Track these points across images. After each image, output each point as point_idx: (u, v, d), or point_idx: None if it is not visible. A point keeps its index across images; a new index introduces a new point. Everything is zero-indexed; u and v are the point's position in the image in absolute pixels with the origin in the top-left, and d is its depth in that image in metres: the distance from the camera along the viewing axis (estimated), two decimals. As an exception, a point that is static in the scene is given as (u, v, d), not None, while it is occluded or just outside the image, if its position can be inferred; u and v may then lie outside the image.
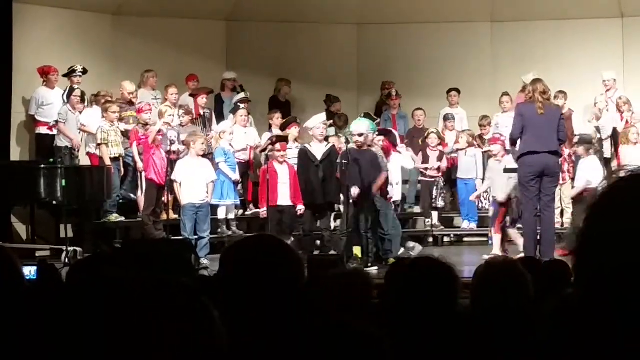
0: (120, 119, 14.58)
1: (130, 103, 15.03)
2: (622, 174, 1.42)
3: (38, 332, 1.31)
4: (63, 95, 14.57)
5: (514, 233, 13.27)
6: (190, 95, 16.01)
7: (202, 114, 15.77)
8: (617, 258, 1.34)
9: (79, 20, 15.90)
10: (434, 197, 15.62)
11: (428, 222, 15.84)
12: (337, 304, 4.18)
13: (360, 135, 12.41)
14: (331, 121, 14.45)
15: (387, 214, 12.82)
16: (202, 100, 15.83)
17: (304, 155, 13.07)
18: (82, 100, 14.73)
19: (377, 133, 13.13)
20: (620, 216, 1.36)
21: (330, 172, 12.81)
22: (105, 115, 14.22)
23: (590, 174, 13.64)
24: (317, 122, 13.22)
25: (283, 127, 14.79)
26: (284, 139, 13.87)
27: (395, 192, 13.56)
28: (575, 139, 14.84)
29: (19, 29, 14.60)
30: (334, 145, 13.23)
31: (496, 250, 13.00)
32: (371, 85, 17.44)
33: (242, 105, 15.44)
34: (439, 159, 15.67)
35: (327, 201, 12.80)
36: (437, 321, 3.85)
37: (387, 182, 12.89)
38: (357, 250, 12.63)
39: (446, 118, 16.53)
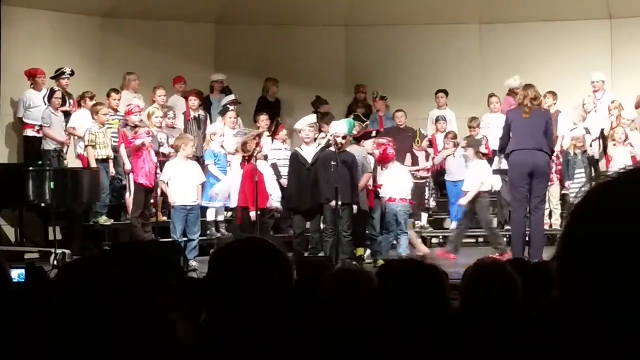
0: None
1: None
2: (608, 175, 1.42)
3: (24, 333, 1.30)
4: (44, 97, 14.54)
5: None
6: (183, 96, 16.06)
7: (196, 116, 15.75)
8: (602, 261, 1.33)
9: (67, 23, 15.86)
10: (426, 197, 15.65)
11: (418, 223, 15.79)
12: (337, 304, 4.17)
13: (344, 137, 12.44)
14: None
15: (399, 214, 12.97)
16: (192, 101, 15.81)
17: (295, 159, 13.06)
18: (64, 102, 14.71)
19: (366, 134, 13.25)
20: (606, 218, 1.36)
21: (320, 175, 12.77)
22: (95, 117, 14.21)
23: (481, 177, 13.69)
24: (304, 124, 13.21)
25: (273, 133, 14.87)
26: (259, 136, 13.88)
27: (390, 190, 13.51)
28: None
29: (7, 31, 14.56)
30: (324, 147, 13.19)
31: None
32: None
33: (231, 107, 15.41)
34: (427, 158, 15.68)
35: (316, 203, 12.78)
36: (426, 322, 3.85)
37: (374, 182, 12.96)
38: (359, 251, 12.64)
39: (437, 120, 16.53)
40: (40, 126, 14.44)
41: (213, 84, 16.75)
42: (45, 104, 14.49)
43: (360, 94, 17.23)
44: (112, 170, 14.42)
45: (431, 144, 16.06)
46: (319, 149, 13.00)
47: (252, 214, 12.73)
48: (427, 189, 15.63)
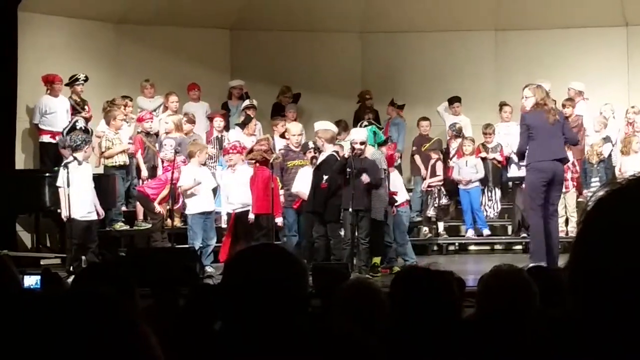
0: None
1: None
2: (619, 182, 1.41)
3: (35, 342, 1.29)
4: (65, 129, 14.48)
5: None
6: (208, 118, 16.00)
7: (218, 136, 15.56)
8: (612, 268, 1.33)
9: (83, 29, 15.92)
10: (441, 203, 15.56)
11: (425, 230, 15.71)
12: (348, 314, 4.17)
13: (362, 143, 12.37)
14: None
15: (400, 222, 12.90)
16: (218, 122, 15.69)
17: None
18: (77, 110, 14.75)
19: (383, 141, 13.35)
20: (616, 226, 1.35)
21: (325, 180, 12.76)
22: (112, 123, 14.23)
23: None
24: (317, 129, 13.21)
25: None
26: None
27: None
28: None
29: (24, 38, 14.62)
30: (332, 154, 13.09)
31: None
32: (375, 93, 17.34)
33: (252, 115, 15.40)
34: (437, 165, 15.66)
35: (315, 210, 12.79)
36: (441, 329, 3.84)
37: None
38: (376, 260, 12.58)
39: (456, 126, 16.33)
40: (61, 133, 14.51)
41: (232, 90, 16.75)
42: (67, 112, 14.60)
43: (369, 100, 17.08)
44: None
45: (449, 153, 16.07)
46: (328, 154, 12.97)
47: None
48: (429, 197, 15.56)
